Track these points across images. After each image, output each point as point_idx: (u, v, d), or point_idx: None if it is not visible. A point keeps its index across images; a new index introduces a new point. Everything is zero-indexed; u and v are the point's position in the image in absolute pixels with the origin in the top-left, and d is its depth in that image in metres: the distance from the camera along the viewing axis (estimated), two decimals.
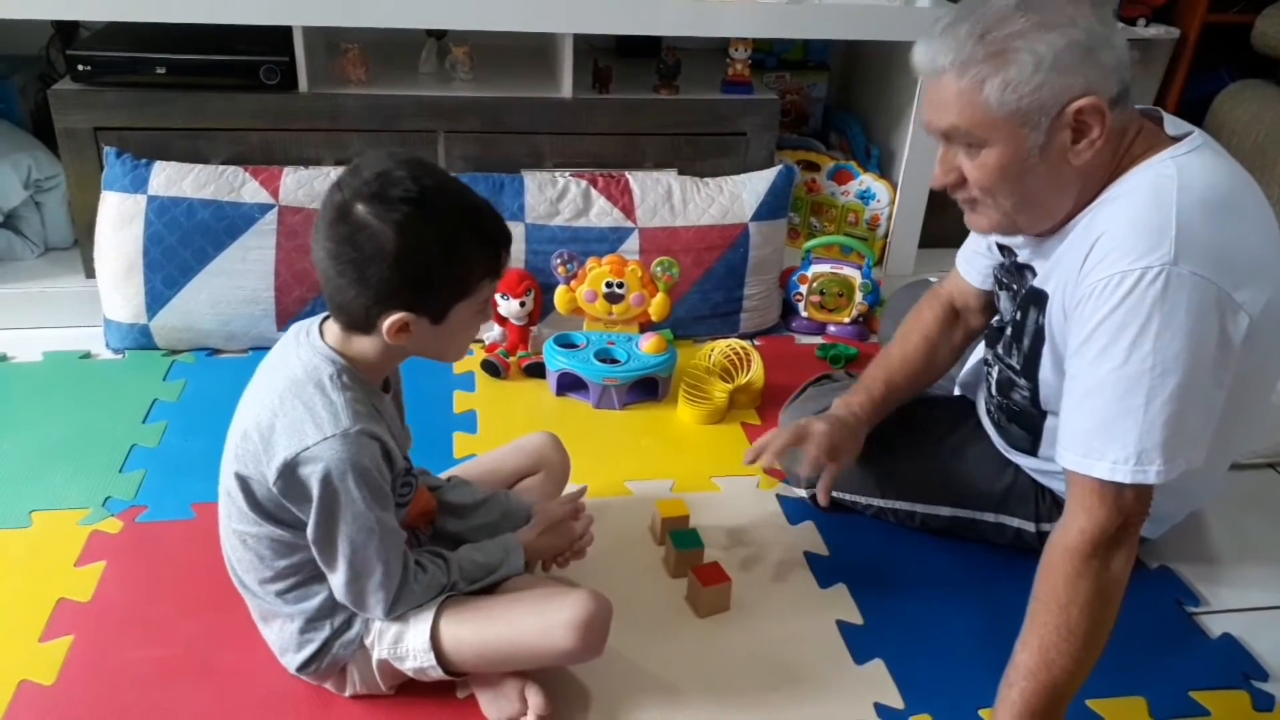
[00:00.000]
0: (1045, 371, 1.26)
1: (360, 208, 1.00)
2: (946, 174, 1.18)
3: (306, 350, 1.10)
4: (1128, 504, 1.09)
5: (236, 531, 1.13)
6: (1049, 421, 1.32)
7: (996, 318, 1.39)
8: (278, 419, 1.06)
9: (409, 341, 1.07)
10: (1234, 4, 2.68)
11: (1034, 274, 1.25)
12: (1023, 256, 1.29)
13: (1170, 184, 1.09)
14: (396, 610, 1.13)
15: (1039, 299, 1.24)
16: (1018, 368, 1.31)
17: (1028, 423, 1.35)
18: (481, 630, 1.13)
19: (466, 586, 1.18)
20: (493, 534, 1.27)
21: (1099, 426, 1.09)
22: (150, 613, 1.30)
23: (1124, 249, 1.08)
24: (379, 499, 1.08)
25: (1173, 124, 1.18)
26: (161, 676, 1.21)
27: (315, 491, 1.04)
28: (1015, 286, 1.30)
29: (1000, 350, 1.35)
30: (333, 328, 1.11)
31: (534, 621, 1.13)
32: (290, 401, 1.06)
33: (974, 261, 1.44)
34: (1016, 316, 1.29)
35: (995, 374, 1.38)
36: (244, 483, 1.09)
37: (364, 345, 1.09)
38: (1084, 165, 1.12)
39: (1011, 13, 1.07)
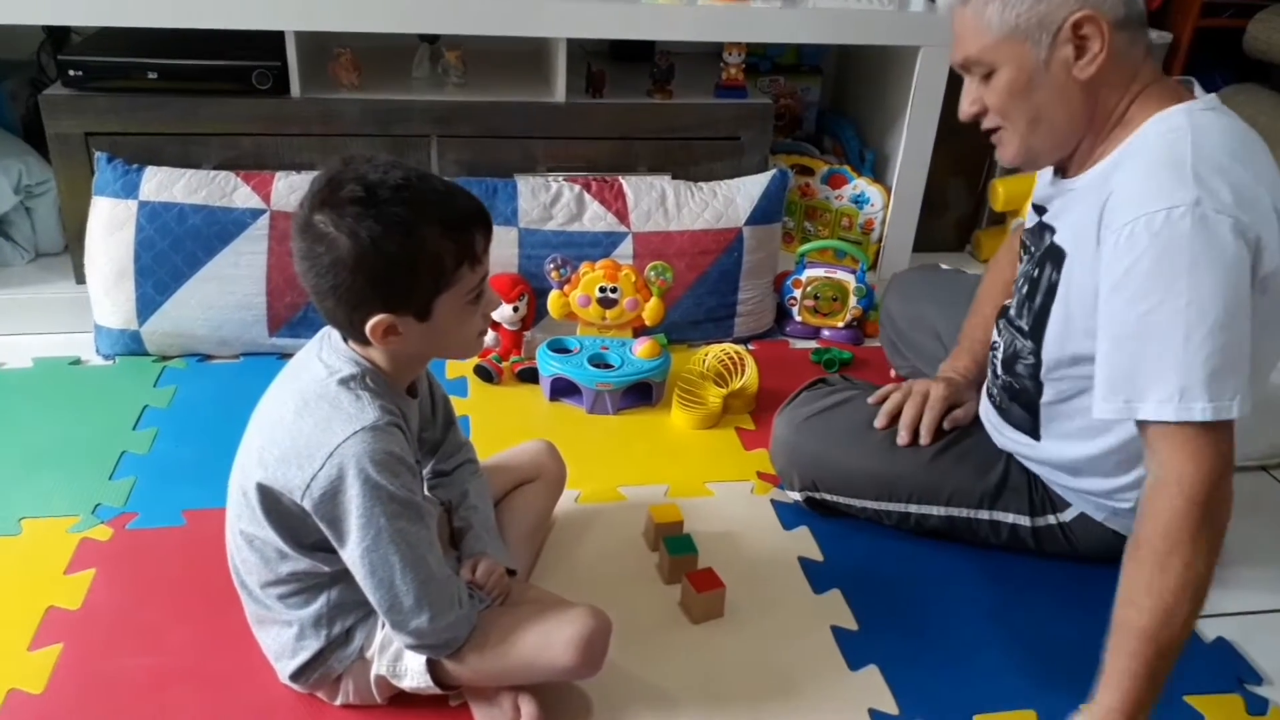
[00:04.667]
0: (1052, 330, 1.27)
1: (317, 218, 1.00)
2: (971, 105, 1.25)
3: (329, 354, 1.09)
4: (1224, 446, 1.08)
5: (244, 533, 1.12)
6: (1045, 396, 1.32)
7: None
8: (304, 422, 1.04)
9: (404, 343, 1.06)
10: (1226, 9, 2.68)
11: (1053, 232, 1.27)
12: (1049, 216, 1.30)
13: (1184, 135, 1.12)
14: (442, 633, 1.08)
15: (1056, 255, 1.25)
16: (1026, 329, 1.31)
17: (1027, 401, 1.35)
18: (481, 647, 1.12)
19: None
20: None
21: (1139, 368, 1.10)
22: (140, 620, 1.29)
23: (1143, 196, 1.10)
24: (417, 488, 1.07)
25: (1201, 93, 1.21)
26: (151, 685, 1.20)
27: (355, 491, 1.02)
28: (1034, 248, 1.32)
29: (1012, 313, 1.36)
30: None
31: (534, 639, 1.12)
32: (315, 404, 1.05)
33: None
34: (1034, 274, 1.30)
35: (1001, 349, 1.38)
36: (266, 490, 1.06)
37: (373, 354, 1.08)
38: (1090, 82, 1.16)
39: None
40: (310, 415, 1.05)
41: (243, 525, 1.12)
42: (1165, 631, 1.05)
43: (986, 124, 1.26)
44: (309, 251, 1.01)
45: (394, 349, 1.07)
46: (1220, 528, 1.08)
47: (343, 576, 1.11)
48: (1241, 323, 1.08)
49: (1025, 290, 1.32)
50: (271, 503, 1.07)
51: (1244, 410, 1.08)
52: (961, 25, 1.21)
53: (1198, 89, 1.21)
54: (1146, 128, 1.17)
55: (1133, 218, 1.09)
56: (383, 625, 1.14)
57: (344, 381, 1.06)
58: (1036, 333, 1.30)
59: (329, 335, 1.12)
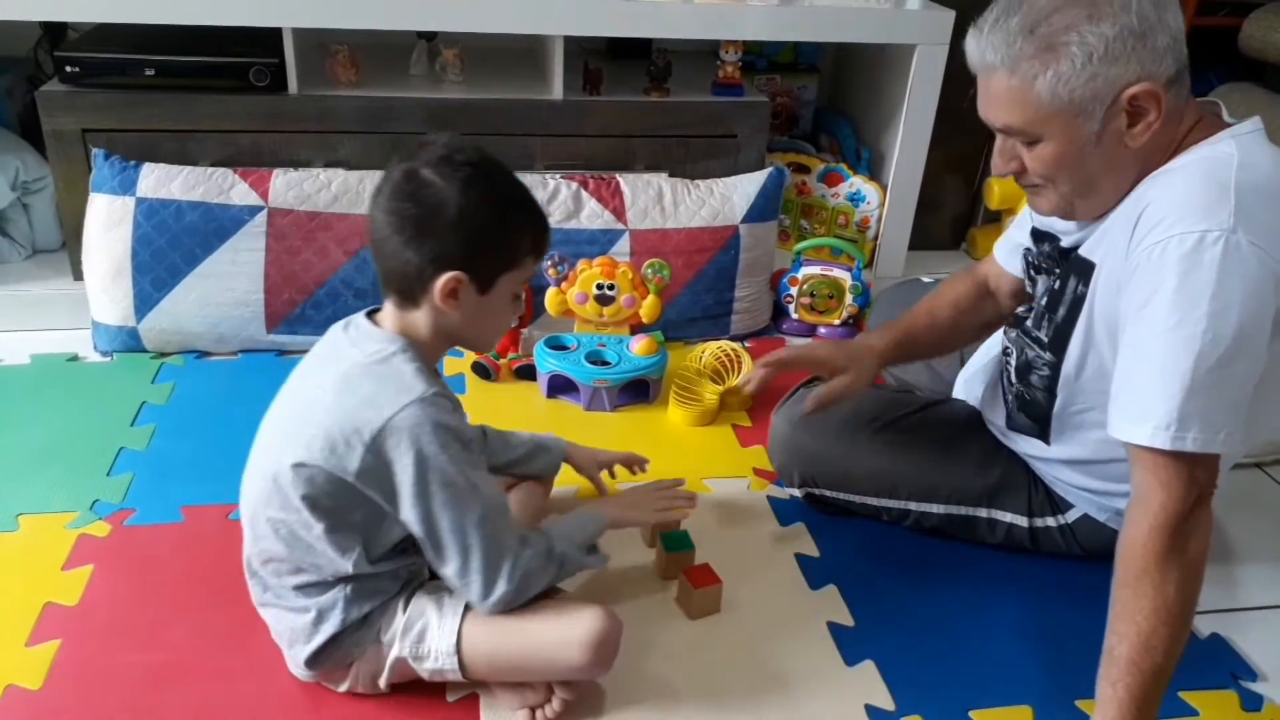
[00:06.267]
0: (1075, 343, 1.25)
1: (426, 170, 1.07)
2: (1007, 163, 1.19)
3: (363, 338, 1.12)
4: (1200, 475, 1.07)
5: (272, 519, 1.11)
6: (1058, 406, 1.31)
7: (1024, 306, 1.38)
8: (347, 400, 1.07)
9: (456, 310, 1.09)
10: (1221, 7, 2.69)
11: (1075, 248, 1.25)
12: (1067, 241, 1.28)
13: (1230, 160, 1.09)
14: (521, 593, 1.12)
15: (1083, 268, 1.22)
16: (1045, 340, 1.30)
17: (1038, 411, 1.35)
18: (497, 639, 1.13)
19: (579, 555, 1.20)
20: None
21: (1144, 390, 1.08)
22: (138, 616, 1.29)
23: (1180, 213, 1.07)
24: (471, 461, 1.09)
25: (1230, 116, 1.19)
26: (149, 680, 1.20)
27: (408, 462, 1.05)
28: (1058, 269, 1.29)
29: (1029, 324, 1.33)
30: (385, 317, 1.13)
31: (549, 635, 1.13)
32: (357, 382, 1.08)
33: (1016, 253, 1.43)
34: (1055, 286, 1.28)
35: (1014, 360, 1.37)
36: (304, 471, 1.07)
37: (416, 323, 1.11)
38: (1141, 147, 1.12)
39: (1062, 2, 1.07)
40: (354, 394, 1.07)
41: (270, 512, 1.11)
42: (1146, 659, 1.04)
43: (1025, 182, 1.21)
44: (409, 194, 1.06)
45: (444, 315, 1.09)
46: (1194, 558, 1.07)
47: (363, 572, 1.12)
48: (1251, 360, 1.07)
49: (1045, 302, 1.30)
50: (309, 484, 1.07)
51: (1232, 447, 1.08)
52: (1002, 93, 1.12)
53: (1225, 112, 1.18)
54: (1192, 150, 1.13)
55: (1164, 236, 1.07)
56: (403, 609, 1.15)
57: (386, 359, 1.09)
58: (1057, 344, 1.28)
59: (355, 324, 1.14)
